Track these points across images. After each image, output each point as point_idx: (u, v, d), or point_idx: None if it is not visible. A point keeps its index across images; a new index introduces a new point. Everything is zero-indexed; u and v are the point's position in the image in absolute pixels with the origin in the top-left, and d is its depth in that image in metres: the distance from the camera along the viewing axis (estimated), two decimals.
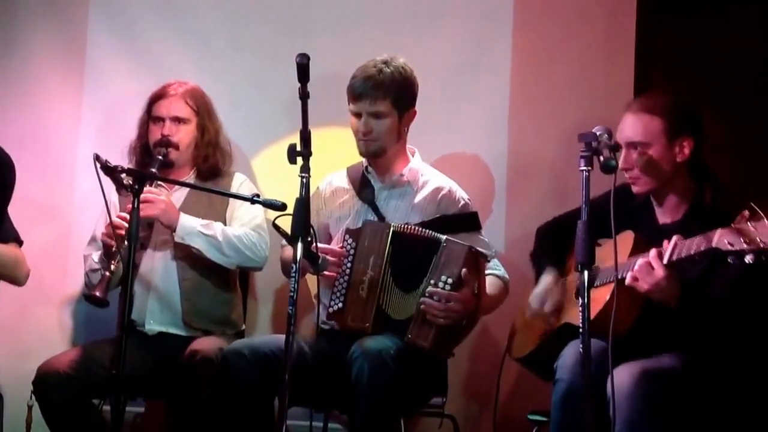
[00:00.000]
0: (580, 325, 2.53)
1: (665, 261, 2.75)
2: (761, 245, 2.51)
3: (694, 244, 2.69)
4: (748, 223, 2.55)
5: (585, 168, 2.60)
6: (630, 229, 2.99)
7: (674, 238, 2.76)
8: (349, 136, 3.40)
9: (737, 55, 3.87)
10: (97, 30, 4.11)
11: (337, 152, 3.65)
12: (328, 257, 3.18)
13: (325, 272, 3.18)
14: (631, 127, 2.99)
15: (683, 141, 2.97)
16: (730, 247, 2.57)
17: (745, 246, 2.54)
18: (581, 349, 2.49)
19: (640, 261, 2.78)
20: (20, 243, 3.39)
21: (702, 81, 3.77)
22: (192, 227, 3.46)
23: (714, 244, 2.61)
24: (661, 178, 3.00)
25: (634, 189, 3.03)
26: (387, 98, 3.27)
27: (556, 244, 3.26)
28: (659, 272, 2.74)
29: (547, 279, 3.19)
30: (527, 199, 3.87)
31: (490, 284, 3.30)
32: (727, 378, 2.95)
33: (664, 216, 3.07)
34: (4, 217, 3.32)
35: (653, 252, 2.77)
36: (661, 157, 2.97)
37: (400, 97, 3.30)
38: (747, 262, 2.54)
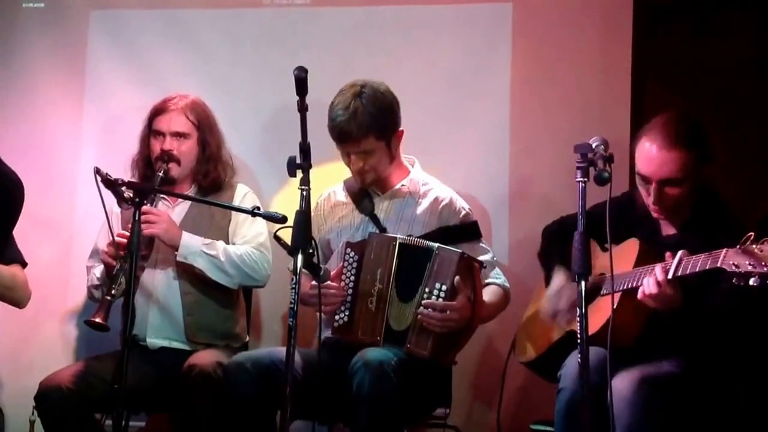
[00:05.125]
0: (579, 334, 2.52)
1: (670, 276, 2.76)
2: (766, 269, 2.53)
3: (700, 262, 2.70)
4: (755, 245, 2.57)
5: (581, 179, 2.59)
6: (633, 237, 3.00)
7: (680, 253, 2.77)
8: None
9: (734, 65, 3.88)
10: (97, 44, 4.14)
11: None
12: (329, 270, 3.16)
13: (325, 309, 3.16)
14: (666, 164, 2.92)
15: (707, 167, 2.96)
16: (735, 269, 2.58)
17: (750, 269, 2.55)
18: (579, 359, 2.49)
19: (648, 281, 2.79)
20: (24, 265, 3.38)
21: (699, 92, 3.78)
22: (194, 246, 3.44)
23: (719, 265, 2.62)
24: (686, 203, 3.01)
25: (656, 216, 3.01)
26: (370, 135, 3.24)
27: (563, 245, 3.26)
28: (667, 291, 2.76)
29: (558, 279, 3.18)
30: (529, 211, 3.86)
31: (491, 292, 3.30)
32: (725, 384, 2.95)
33: (666, 225, 3.08)
34: (9, 239, 3.31)
35: (659, 271, 2.78)
36: (692, 187, 2.97)
37: (382, 129, 3.26)
38: (751, 284, 2.55)
